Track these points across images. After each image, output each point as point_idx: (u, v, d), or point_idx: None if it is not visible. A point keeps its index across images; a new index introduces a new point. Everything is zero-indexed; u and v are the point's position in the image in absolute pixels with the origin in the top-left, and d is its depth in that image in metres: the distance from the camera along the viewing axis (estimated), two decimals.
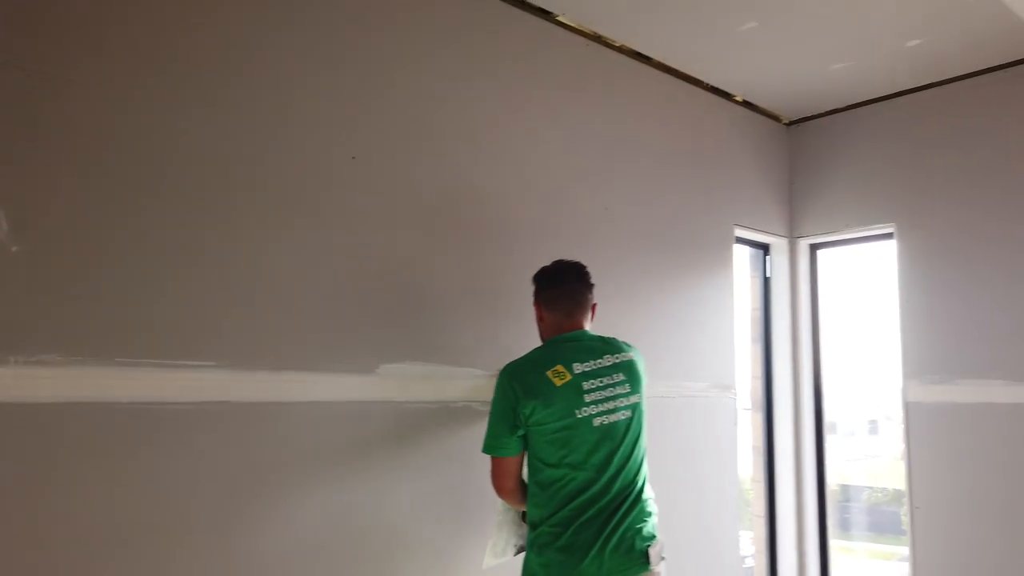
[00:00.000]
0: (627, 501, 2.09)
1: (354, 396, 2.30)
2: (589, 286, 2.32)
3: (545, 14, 2.99)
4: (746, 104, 3.96)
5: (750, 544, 4.21)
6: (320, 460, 2.21)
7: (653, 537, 2.11)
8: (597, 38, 3.19)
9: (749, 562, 4.28)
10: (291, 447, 2.15)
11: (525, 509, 2.23)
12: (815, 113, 4.09)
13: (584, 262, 2.38)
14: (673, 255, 3.45)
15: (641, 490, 2.15)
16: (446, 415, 2.51)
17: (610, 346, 2.23)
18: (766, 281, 4.23)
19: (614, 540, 2.03)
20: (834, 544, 4.17)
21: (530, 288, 2.40)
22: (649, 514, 2.15)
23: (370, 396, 2.33)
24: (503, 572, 2.45)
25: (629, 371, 2.20)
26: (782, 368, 4.13)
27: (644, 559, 2.05)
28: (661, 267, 3.37)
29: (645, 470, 2.20)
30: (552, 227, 2.94)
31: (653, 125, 3.44)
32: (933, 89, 3.66)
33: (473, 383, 2.59)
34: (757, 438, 4.16)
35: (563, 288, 2.28)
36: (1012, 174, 3.36)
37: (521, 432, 2.12)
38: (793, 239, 4.18)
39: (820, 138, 4.10)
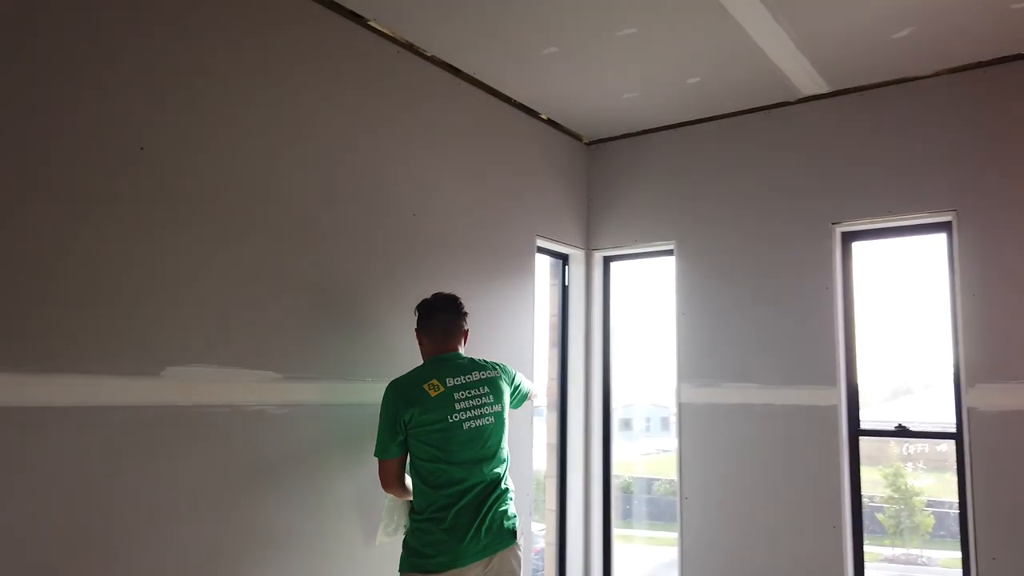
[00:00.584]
0: (495, 490, 2.53)
1: (137, 400, 2.18)
2: (462, 315, 2.73)
3: (357, 18, 3.01)
4: (550, 123, 4.20)
5: (542, 536, 4.46)
6: (101, 467, 2.07)
7: (515, 517, 2.60)
8: (410, 47, 3.25)
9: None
10: (69, 457, 2.00)
11: (410, 499, 2.61)
12: (612, 135, 4.43)
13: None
14: (479, 262, 3.60)
15: (504, 480, 2.59)
16: (241, 419, 2.45)
17: (478, 365, 2.66)
18: (564, 289, 4.51)
19: (487, 522, 2.48)
20: (619, 533, 4.53)
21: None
22: (511, 500, 2.61)
23: (154, 400, 2.22)
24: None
25: (493, 386, 2.64)
26: (576, 371, 4.43)
27: (511, 535, 2.55)
28: (469, 273, 3.50)
29: (506, 460, 2.64)
30: (362, 232, 2.96)
31: (462, 136, 3.56)
32: (709, 123, 4.10)
33: (269, 386, 2.55)
34: (552, 436, 4.42)
35: (438, 318, 2.69)
36: (770, 203, 3.85)
37: (402, 438, 2.50)
38: (589, 251, 4.50)
39: (616, 159, 4.44)
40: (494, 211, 3.73)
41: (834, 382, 3.59)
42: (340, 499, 2.80)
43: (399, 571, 2.48)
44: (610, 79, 3.61)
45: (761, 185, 3.90)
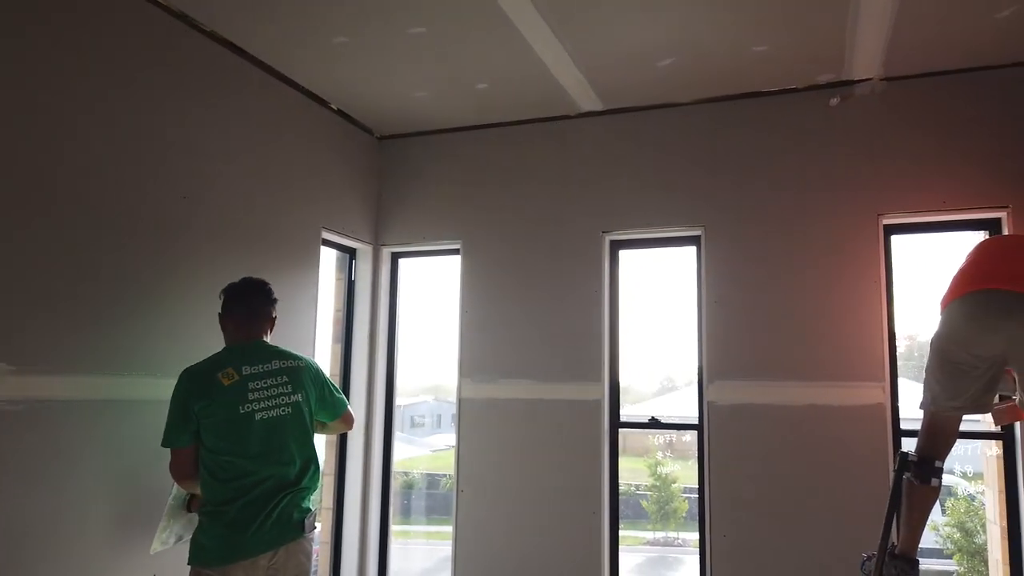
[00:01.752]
0: (291, 487, 2.45)
1: None
2: (271, 302, 2.66)
3: None
4: (341, 114, 4.13)
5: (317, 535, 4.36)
6: None
7: (308, 510, 2.52)
8: (183, 17, 3.04)
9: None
10: None
11: (196, 494, 2.51)
12: (405, 132, 4.44)
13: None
14: (262, 252, 3.44)
15: (302, 471, 2.50)
16: None
17: (281, 354, 2.59)
18: (351, 284, 4.45)
19: (275, 515, 2.39)
20: (401, 529, 4.56)
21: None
22: (308, 490, 2.53)
23: None
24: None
25: (294, 375, 2.56)
26: (359, 367, 4.38)
27: (300, 527, 2.46)
28: (249, 262, 3.32)
29: (309, 454, 2.55)
30: (123, 212, 2.72)
31: (246, 120, 3.39)
32: (497, 128, 4.25)
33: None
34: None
35: (244, 302, 2.60)
36: (549, 210, 4.07)
37: (194, 427, 2.38)
38: (377, 246, 4.47)
39: (408, 155, 4.46)
40: (278, 200, 3.59)
41: (599, 378, 3.88)
42: (92, 499, 2.55)
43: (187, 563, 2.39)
44: (401, 75, 3.62)
45: (542, 192, 4.11)
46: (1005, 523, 3.31)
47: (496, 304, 4.12)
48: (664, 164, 3.90)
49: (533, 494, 3.92)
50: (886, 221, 3.54)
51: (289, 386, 2.53)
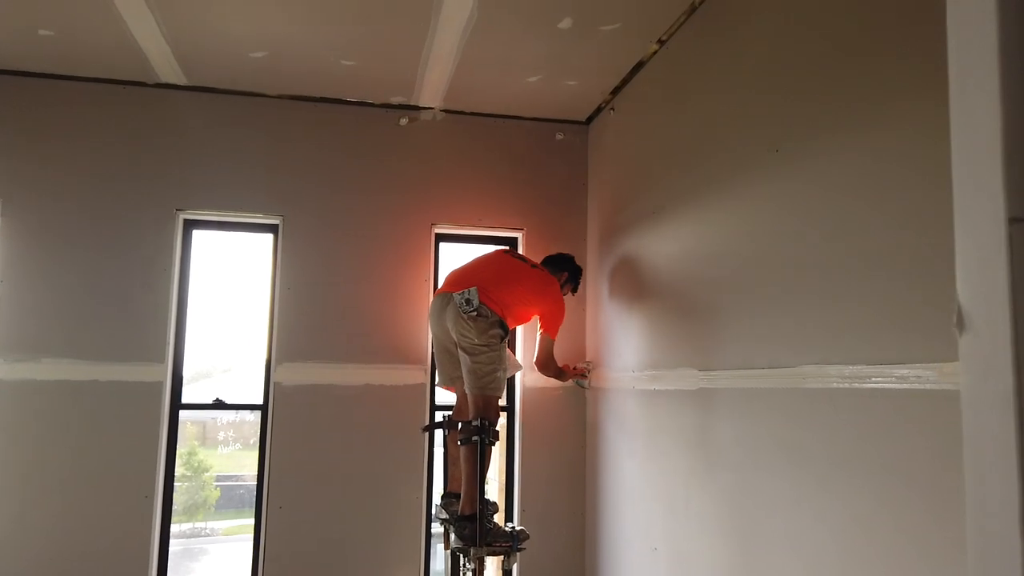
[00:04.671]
0: None
1: None
2: None
3: None
4: None
5: None
6: None
7: None
8: None
9: None
10: None
11: None
12: None
13: None
14: None
15: None
16: None
17: None
18: None
19: None
20: None
21: None
22: None
23: None
24: None
25: None
26: None
27: None
28: None
29: None
30: None
31: None
32: (64, 81, 3.81)
33: None
34: None
35: None
36: (118, 182, 3.81)
37: None
38: None
39: None
40: None
41: (162, 359, 3.78)
42: None
43: None
44: None
45: (114, 160, 3.83)
46: (503, 478, 4.22)
47: (47, 277, 3.71)
48: (246, 151, 3.98)
49: (70, 479, 3.64)
50: (437, 230, 4.19)
51: None
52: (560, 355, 3.88)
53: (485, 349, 3.23)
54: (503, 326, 3.31)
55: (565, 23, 3.18)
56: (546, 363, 3.74)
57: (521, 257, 3.73)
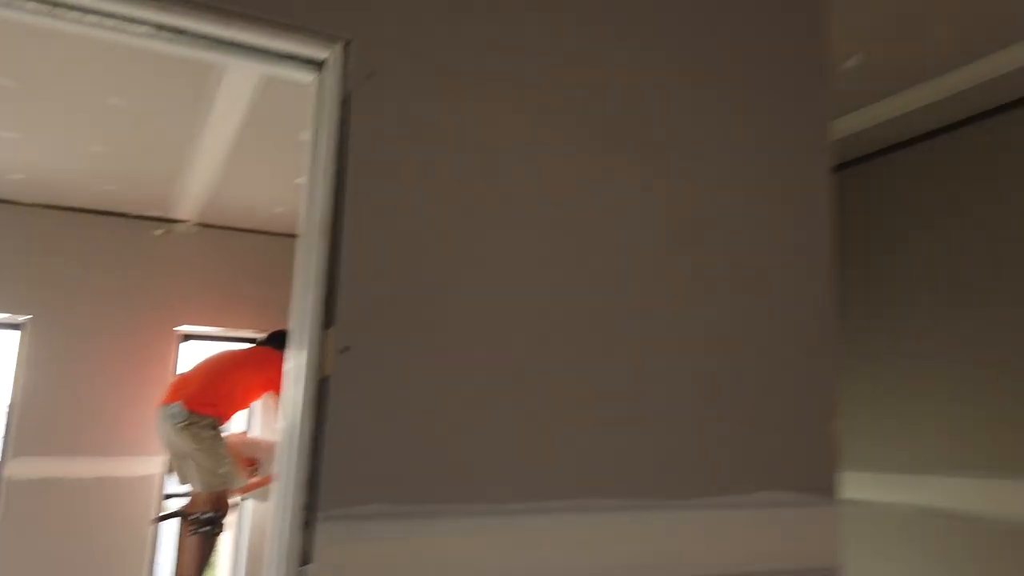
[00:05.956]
0: None
1: None
2: None
3: None
4: None
5: None
6: None
7: None
8: None
9: None
10: None
11: None
12: None
13: None
14: None
15: None
16: None
17: None
18: None
19: None
20: None
21: None
22: None
23: None
24: None
25: None
26: None
27: None
28: None
29: None
30: None
31: None
32: None
33: None
34: None
35: None
36: None
37: None
38: None
39: None
40: None
41: None
42: None
43: None
44: None
45: None
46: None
47: None
48: None
49: None
50: (183, 330, 4.64)
51: None
52: None
53: (201, 451, 3.71)
54: (215, 425, 3.79)
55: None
56: None
57: (245, 348, 4.29)
